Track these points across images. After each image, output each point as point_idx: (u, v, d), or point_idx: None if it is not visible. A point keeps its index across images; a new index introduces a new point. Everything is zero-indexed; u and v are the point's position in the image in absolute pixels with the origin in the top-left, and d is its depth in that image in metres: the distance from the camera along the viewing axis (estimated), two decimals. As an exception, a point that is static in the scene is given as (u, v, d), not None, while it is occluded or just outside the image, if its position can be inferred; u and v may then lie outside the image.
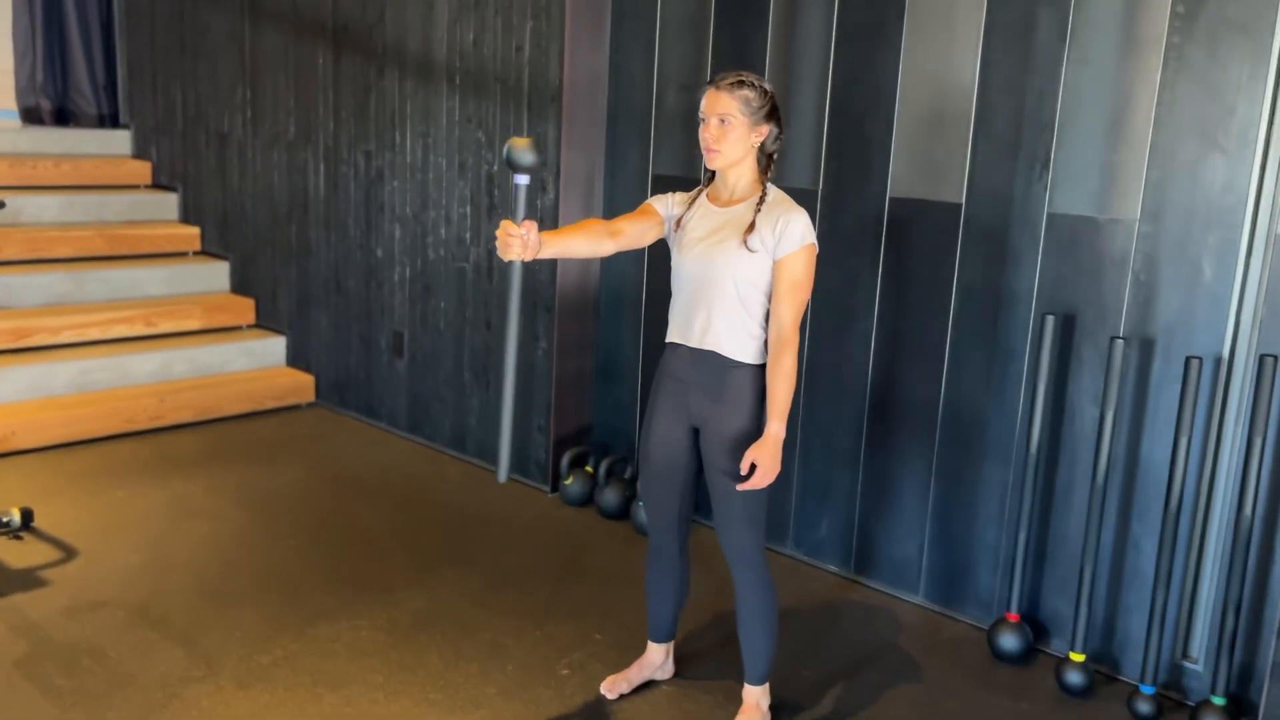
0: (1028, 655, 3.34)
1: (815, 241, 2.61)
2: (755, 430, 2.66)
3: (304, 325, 5.77)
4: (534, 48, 4.36)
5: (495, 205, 4.62)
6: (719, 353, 2.65)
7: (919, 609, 3.65)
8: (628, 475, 4.43)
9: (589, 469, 4.50)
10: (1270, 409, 2.80)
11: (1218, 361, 2.94)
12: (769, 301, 2.64)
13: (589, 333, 4.59)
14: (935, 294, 3.50)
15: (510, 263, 2.54)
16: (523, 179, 2.41)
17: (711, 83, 2.64)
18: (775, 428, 2.57)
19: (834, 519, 3.89)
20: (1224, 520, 3.00)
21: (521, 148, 2.38)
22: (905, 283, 3.58)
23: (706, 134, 2.61)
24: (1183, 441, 2.93)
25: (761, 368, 2.67)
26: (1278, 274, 2.85)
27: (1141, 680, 3.07)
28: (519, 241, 2.49)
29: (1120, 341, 3.02)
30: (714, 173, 2.76)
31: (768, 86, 2.64)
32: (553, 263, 4.39)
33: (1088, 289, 3.18)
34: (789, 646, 3.32)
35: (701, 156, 2.68)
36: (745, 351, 2.65)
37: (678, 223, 2.75)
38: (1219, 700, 2.93)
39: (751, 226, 2.60)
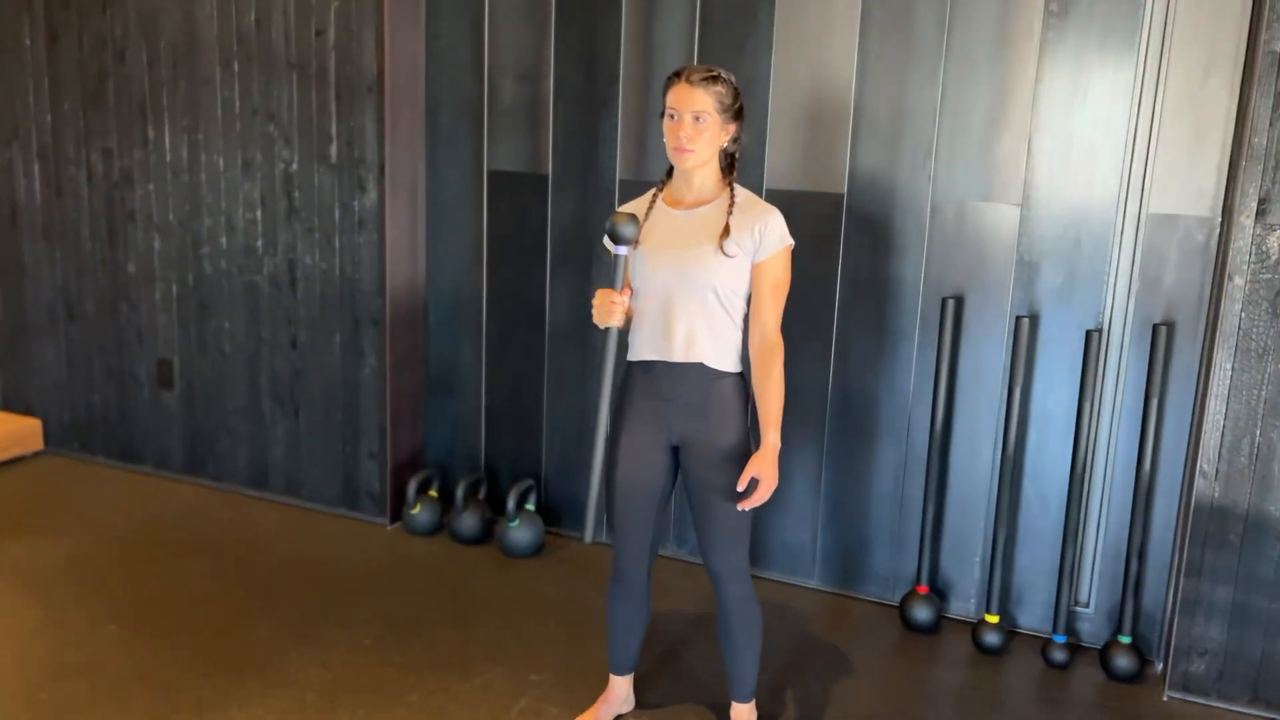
0: (937, 624, 3.49)
1: (792, 240, 2.53)
2: (744, 442, 2.54)
3: (21, 361, 4.81)
4: (341, 31, 3.88)
5: (296, 208, 4.08)
6: (705, 364, 2.50)
7: (818, 594, 3.70)
8: (482, 495, 4.12)
9: (433, 493, 4.14)
10: (1163, 373, 3.10)
11: (1099, 332, 3.20)
12: (746, 306, 2.53)
13: (419, 345, 4.20)
14: (821, 284, 3.54)
15: (607, 330, 2.46)
16: (623, 250, 2.40)
17: (679, 76, 2.46)
18: (774, 438, 2.47)
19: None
20: (1111, 477, 3.29)
21: (623, 222, 2.38)
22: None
23: (680, 132, 2.43)
24: (1087, 407, 3.17)
25: (740, 375, 2.56)
26: (1148, 251, 3.15)
27: (1053, 631, 3.31)
28: (621, 308, 2.45)
29: (1026, 320, 3.21)
30: (670, 173, 2.59)
31: (735, 81, 2.50)
32: (379, 270, 3.97)
33: (974, 271, 3.35)
34: (710, 651, 3.24)
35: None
36: (728, 361, 2.52)
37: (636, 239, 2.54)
38: (1125, 639, 3.22)
39: (726, 230, 2.46)
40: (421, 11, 3.96)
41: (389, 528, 4.15)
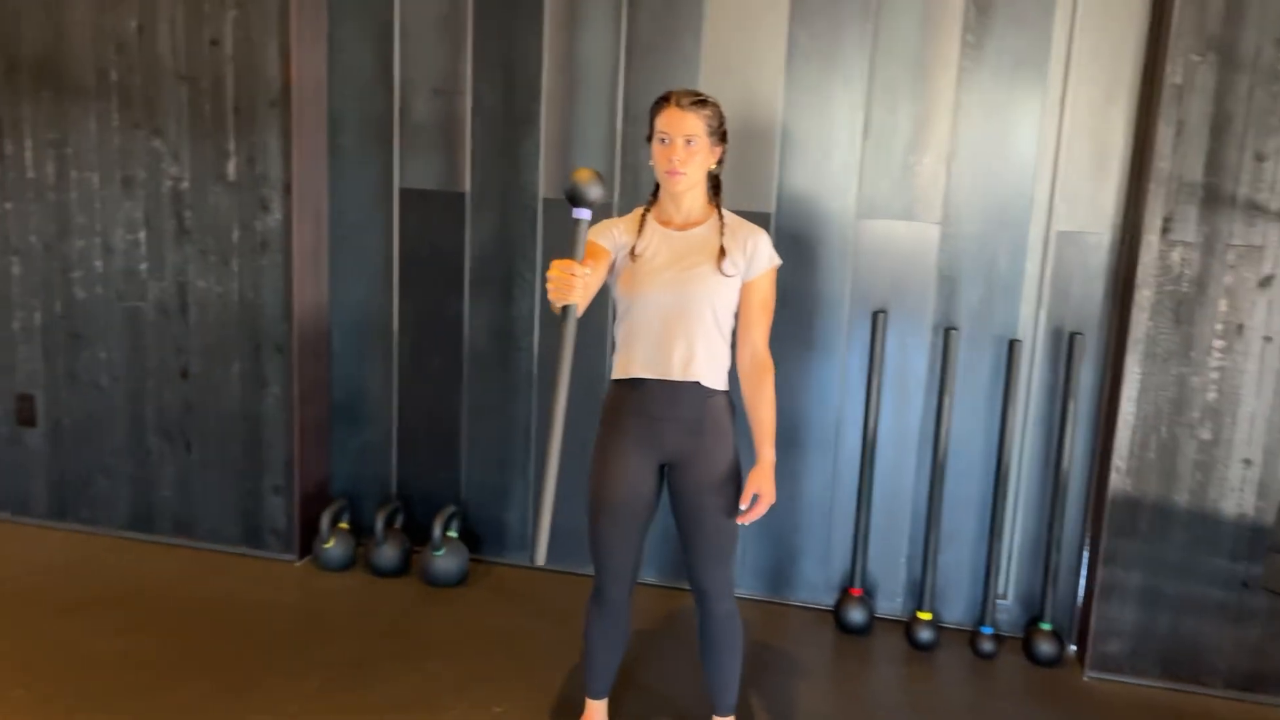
0: (870, 625, 3.63)
1: (779, 259, 2.60)
2: (736, 459, 2.59)
3: None
4: (240, 41, 3.67)
5: (187, 228, 3.82)
6: (701, 383, 2.53)
7: (751, 602, 3.78)
8: (399, 525, 3.98)
9: (344, 525, 3.96)
10: (1078, 379, 3.36)
11: (1014, 342, 3.43)
12: (734, 324, 2.58)
13: (323, 373, 4.01)
14: (751, 300, 3.62)
15: (564, 309, 2.18)
16: (585, 214, 2.12)
17: (668, 100, 2.48)
18: (770, 454, 2.53)
19: (652, 533, 3.86)
20: (1024, 476, 3.52)
21: (587, 181, 2.11)
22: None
23: (673, 155, 2.45)
24: (1012, 412, 3.39)
25: (727, 393, 2.60)
26: (1059, 265, 3.41)
27: (980, 623, 3.52)
28: (581, 283, 2.17)
29: (952, 332, 3.40)
30: (657, 194, 2.60)
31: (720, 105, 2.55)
32: (284, 293, 3.77)
33: (898, 287, 3.52)
34: (670, 669, 3.27)
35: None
36: (720, 379, 2.57)
37: (631, 252, 2.54)
38: (1046, 626, 3.46)
39: (723, 251, 2.51)
40: (324, 22, 3.79)
41: (297, 564, 3.94)
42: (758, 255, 2.53)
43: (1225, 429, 3.18)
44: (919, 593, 3.64)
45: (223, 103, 3.71)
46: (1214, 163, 3.06)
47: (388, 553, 3.84)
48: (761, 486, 2.49)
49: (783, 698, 3.16)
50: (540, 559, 2.24)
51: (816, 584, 3.76)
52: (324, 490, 4.08)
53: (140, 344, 3.95)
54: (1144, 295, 3.16)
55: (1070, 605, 3.55)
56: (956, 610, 3.66)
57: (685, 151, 2.45)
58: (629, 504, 2.58)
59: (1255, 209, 3.05)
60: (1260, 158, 3.03)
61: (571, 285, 2.16)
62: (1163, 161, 3.08)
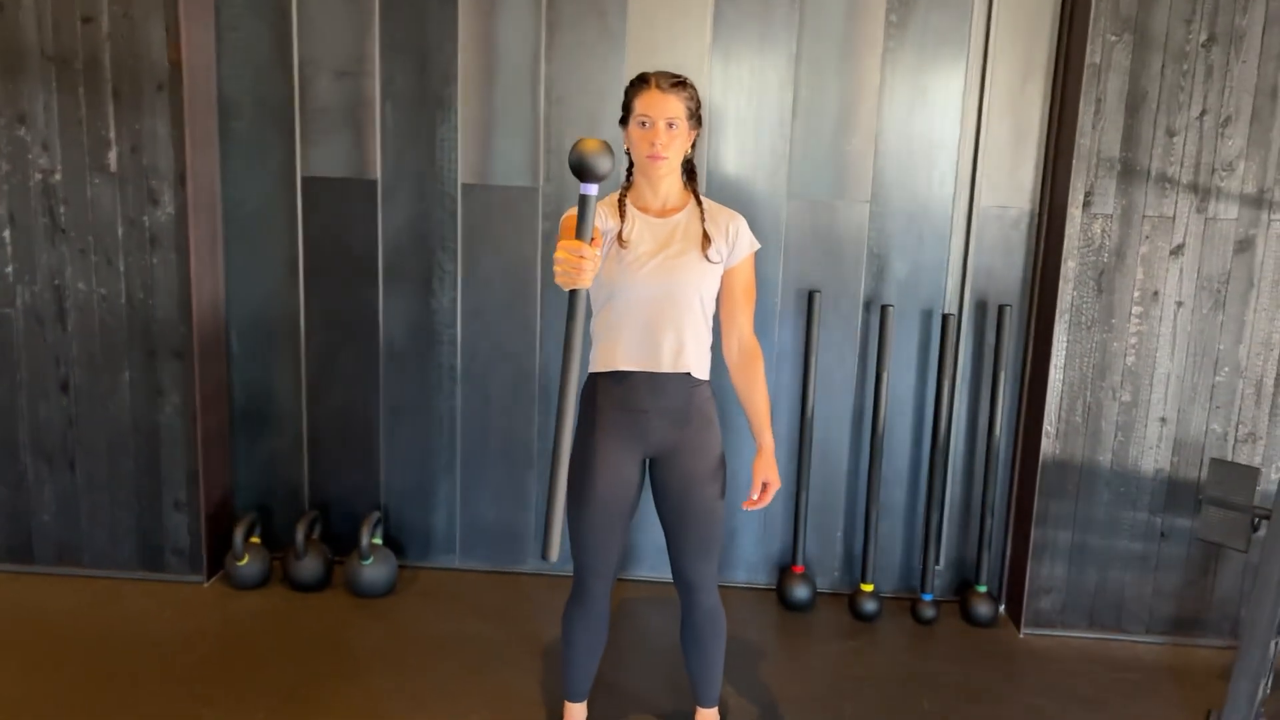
0: (813, 600, 3.67)
1: (759, 243, 2.57)
2: (721, 449, 2.55)
3: None
4: (118, 19, 3.33)
5: (62, 225, 3.46)
6: (690, 374, 2.47)
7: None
8: (318, 535, 3.75)
9: (255, 540, 3.70)
10: (1009, 350, 3.48)
11: (947, 316, 3.52)
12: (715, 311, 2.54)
13: (223, 377, 3.72)
14: (684, 284, 3.57)
15: (571, 294, 2.05)
16: (592, 189, 1.96)
17: (646, 82, 2.39)
18: (770, 439, 2.53)
19: (584, 524, 3.78)
20: (955, 445, 3.63)
21: (595, 152, 1.93)
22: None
23: (655, 139, 2.37)
24: (945, 385, 3.48)
25: (709, 382, 2.55)
26: (981, 241, 3.51)
27: (921, 590, 3.61)
28: (592, 265, 2.04)
29: (888, 308, 3.46)
30: (630, 179, 2.52)
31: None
32: (181, 294, 3.47)
33: (829, 266, 3.55)
34: (639, 663, 3.22)
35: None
36: (705, 368, 2.51)
37: (619, 237, 2.44)
38: (982, 588, 3.59)
39: (707, 237, 2.45)
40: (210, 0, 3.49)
41: (206, 585, 3.65)
42: (740, 240, 2.48)
43: (1143, 390, 3.36)
44: (855, 566, 3.71)
45: (100, 86, 3.36)
46: (1130, 138, 3.21)
47: (309, 565, 3.61)
48: (768, 473, 2.49)
49: (744, 679, 3.15)
50: (554, 557, 2.13)
51: (756, 563, 3.77)
52: (229, 504, 3.80)
53: (8, 355, 3.56)
54: (1069, 266, 3.30)
55: (999, 567, 3.69)
56: (891, 580, 3.74)
57: (667, 135, 2.37)
58: (614, 500, 2.50)
59: (1167, 182, 3.23)
60: (1171, 133, 3.20)
61: (582, 268, 2.02)
62: (1083, 138, 3.21)
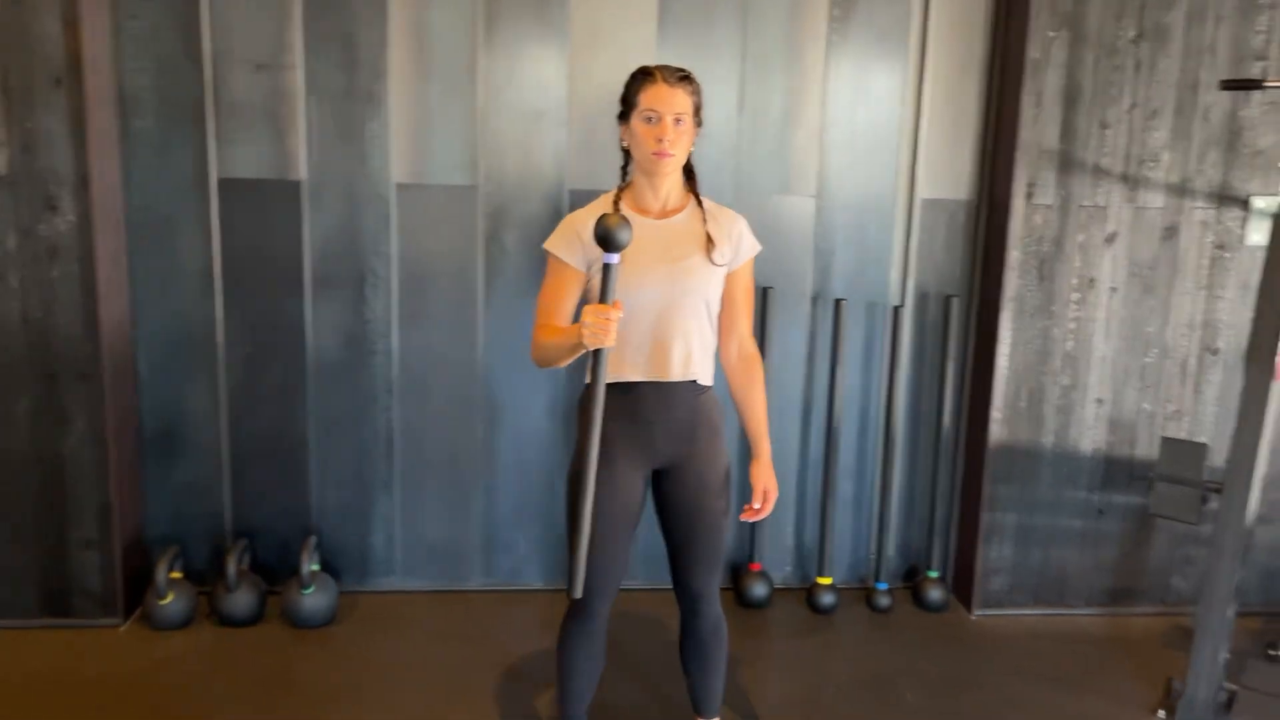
0: (770, 597, 3.66)
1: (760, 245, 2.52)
2: (727, 458, 2.49)
3: None
4: (7, 5, 2.98)
5: (-58, 240, 3.08)
6: (698, 381, 2.39)
7: (644, 593, 3.68)
8: (247, 564, 3.48)
9: (176, 575, 3.41)
10: (955, 340, 3.54)
11: (897, 309, 3.56)
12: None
13: (131, 400, 3.40)
14: (632, 283, 3.49)
15: (596, 351, 2.09)
16: (615, 259, 2.06)
17: (652, 75, 2.30)
18: (768, 447, 2.48)
19: (532, 534, 3.66)
20: (902, 435, 3.68)
21: (619, 225, 2.04)
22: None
23: (663, 135, 2.28)
24: (897, 376, 3.52)
25: (712, 388, 2.48)
26: (923, 233, 3.56)
27: (877, 579, 3.65)
28: (616, 325, 2.10)
29: (844, 302, 3.46)
30: (628, 179, 2.41)
31: None
32: (86, 310, 3.15)
33: (778, 261, 3.53)
34: (623, 677, 3.13)
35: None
36: (711, 374, 2.45)
37: None
38: (934, 574, 3.66)
39: (711, 240, 2.37)
40: (107, -16, 3.17)
41: (123, 628, 3.34)
42: (743, 243, 2.42)
43: (1081, 373, 3.49)
44: (807, 559, 3.72)
45: (-15, 80, 3.00)
46: (1067, 131, 3.32)
47: (242, 599, 3.34)
48: (769, 481, 2.43)
49: (728, 682, 3.10)
50: (579, 594, 2.17)
51: (709, 565, 3.72)
52: (143, 538, 3.48)
53: (-120, 386, 3.14)
54: (1013, 256, 3.38)
55: (947, 551, 3.76)
56: (842, 570, 3.77)
57: (675, 131, 2.28)
58: (621, 517, 2.40)
59: (1101, 173, 3.35)
60: (1104, 125, 3.33)
61: (609, 330, 2.09)
62: (1026, 131, 3.30)
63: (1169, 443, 3.16)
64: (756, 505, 2.43)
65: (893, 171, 3.51)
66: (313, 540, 3.41)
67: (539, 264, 3.40)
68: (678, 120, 2.28)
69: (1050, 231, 3.38)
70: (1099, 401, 3.51)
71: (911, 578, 3.75)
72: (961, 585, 3.67)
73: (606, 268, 2.07)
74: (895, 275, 3.57)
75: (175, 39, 3.22)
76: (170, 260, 3.35)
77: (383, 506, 3.58)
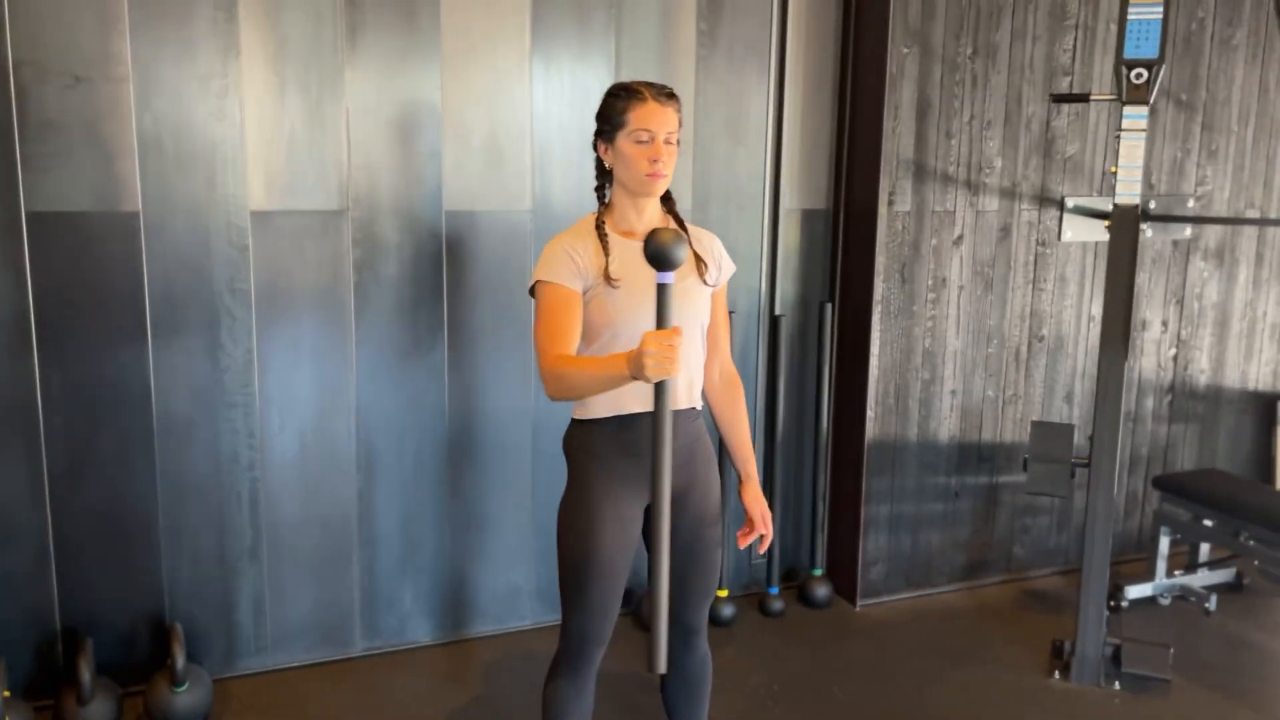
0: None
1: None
2: (719, 485, 2.43)
3: None
4: None
5: None
6: (695, 407, 2.31)
7: (541, 630, 3.52)
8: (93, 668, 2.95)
9: (5, 694, 2.83)
10: (825, 344, 3.66)
11: (779, 318, 3.62)
12: None
13: (-70, 485, 2.78)
14: (514, 304, 3.31)
15: (660, 384, 1.85)
16: (669, 278, 1.85)
17: (640, 94, 2.17)
18: (755, 469, 2.44)
19: (419, 587, 3.38)
20: (787, 441, 3.76)
21: (674, 241, 1.83)
22: (472, 300, 3.27)
23: (658, 156, 2.17)
24: (780, 384, 3.58)
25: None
26: (788, 242, 3.65)
27: (768, 584, 3.71)
28: (680, 351, 1.87)
29: (733, 314, 3.47)
30: (608, 202, 2.29)
31: None
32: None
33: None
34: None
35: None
36: (701, 399, 2.37)
37: (606, 276, 2.20)
38: (818, 571, 3.78)
39: (700, 261, 2.31)
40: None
41: (-60, 770, 2.72)
42: (724, 261, 2.37)
43: (938, 367, 3.73)
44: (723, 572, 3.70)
45: None
46: (920, 141, 3.53)
47: (99, 710, 2.83)
48: (763, 506, 2.40)
49: (650, 713, 3.02)
50: (662, 667, 1.91)
51: (602, 592, 3.62)
52: (-48, 654, 2.85)
53: None
54: (880, 261, 3.55)
55: (824, 548, 3.89)
56: (730, 580, 3.79)
57: (667, 151, 2.18)
58: (623, 561, 2.27)
59: (948, 180, 3.60)
60: (949, 135, 3.57)
61: (674, 359, 1.85)
62: (887, 142, 3.47)
63: (1039, 426, 3.45)
64: (759, 530, 2.38)
65: (760, 182, 3.56)
66: (178, 627, 2.94)
67: (420, 292, 3.15)
68: (668, 140, 2.18)
69: (909, 236, 3.58)
70: (953, 393, 3.77)
71: (792, 578, 3.84)
72: (843, 579, 3.81)
73: (662, 289, 1.87)
74: (764, 285, 3.63)
75: (-35, 45, 2.65)
76: (-32, 313, 2.76)
77: (248, 578, 3.16)
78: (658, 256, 1.84)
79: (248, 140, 2.93)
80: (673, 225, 2.31)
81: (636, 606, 3.57)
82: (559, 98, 3.25)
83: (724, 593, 3.61)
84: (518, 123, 3.21)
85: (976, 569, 3.96)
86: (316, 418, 3.15)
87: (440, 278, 3.21)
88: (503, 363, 3.32)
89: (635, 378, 1.89)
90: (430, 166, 3.13)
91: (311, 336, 3.10)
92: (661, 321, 1.87)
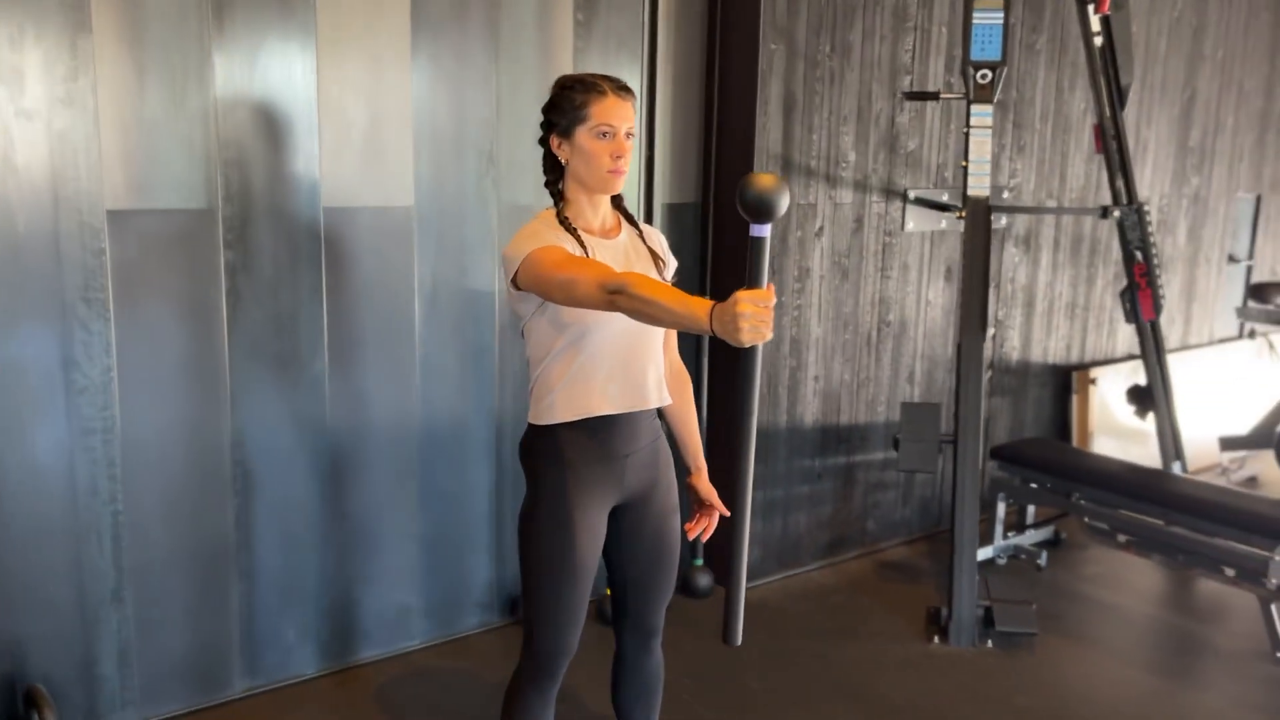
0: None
1: None
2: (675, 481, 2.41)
3: None
4: None
5: None
6: (660, 406, 2.28)
7: (432, 648, 3.36)
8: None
9: None
10: (710, 338, 3.68)
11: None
12: None
13: None
14: (398, 303, 3.13)
15: (747, 351, 1.72)
16: (765, 230, 1.63)
17: (598, 87, 2.10)
18: (704, 462, 2.45)
19: (301, 618, 3.13)
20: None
21: (775, 189, 1.58)
22: (354, 303, 3.06)
23: (621, 152, 2.11)
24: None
25: None
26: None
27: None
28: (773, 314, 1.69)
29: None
30: (562, 198, 2.20)
31: None
32: None
33: (539, 273, 3.39)
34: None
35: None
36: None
37: None
38: (699, 562, 3.82)
39: (657, 256, 2.28)
40: None
41: None
42: (669, 257, 2.35)
43: (803, 355, 3.86)
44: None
45: None
46: (787, 136, 3.63)
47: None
48: (713, 493, 2.39)
49: (588, 708, 2.98)
50: (738, 639, 1.95)
51: (487, 602, 3.50)
52: None
53: None
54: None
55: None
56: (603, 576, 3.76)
57: (626, 146, 2.12)
58: (590, 567, 2.22)
59: (810, 174, 3.72)
60: (811, 130, 3.69)
61: (770, 321, 1.67)
62: (759, 137, 3.54)
63: (909, 406, 3.64)
64: (721, 513, 2.36)
65: (634, 177, 3.54)
66: (39, 689, 2.57)
67: (297, 296, 2.90)
68: (629, 135, 2.13)
69: (777, 229, 3.67)
70: (816, 379, 3.91)
71: (680, 569, 3.85)
72: (721, 567, 3.87)
73: (759, 242, 1.63)
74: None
75: None
76: None
77: (110, 623, 2.81)
78: (760, 205, 1.59)
79: (102, 128, 2.58)
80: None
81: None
82: (440, 85, 3.08)
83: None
84: (399, 112, 3.02)
85: (837, 546, 4.13)
86: (187, 439, 2.84)
87: (320, 280, 2.97)
88: (387, 370, 3.12)
89: (716, 334, 1.67)
90: (307, 160, 2.89)
91: (180, 349, 2.79)
92: (755, 280, 1.66)
